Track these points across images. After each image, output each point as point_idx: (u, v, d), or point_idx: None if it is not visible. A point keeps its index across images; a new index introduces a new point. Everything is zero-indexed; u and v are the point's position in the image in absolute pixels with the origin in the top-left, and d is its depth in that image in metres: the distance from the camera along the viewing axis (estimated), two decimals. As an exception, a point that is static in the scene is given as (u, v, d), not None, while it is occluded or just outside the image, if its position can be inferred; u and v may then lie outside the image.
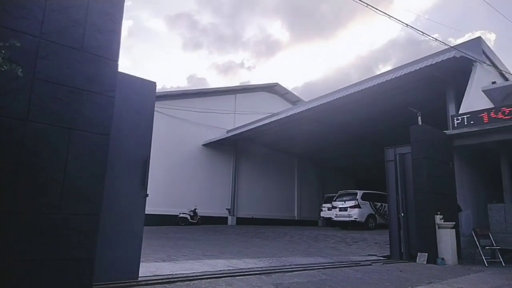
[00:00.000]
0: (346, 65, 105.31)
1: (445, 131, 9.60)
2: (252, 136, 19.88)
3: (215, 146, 20.73)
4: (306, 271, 5.88)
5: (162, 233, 12.91)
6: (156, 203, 14.35)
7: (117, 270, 3.78)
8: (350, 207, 16.74)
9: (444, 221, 8.24)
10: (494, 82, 10.60)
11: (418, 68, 10.69)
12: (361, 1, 7.05)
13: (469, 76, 10.17)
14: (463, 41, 11.84)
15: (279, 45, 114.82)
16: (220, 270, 5.23)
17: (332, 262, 7.02)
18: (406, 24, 8.04)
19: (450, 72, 10.71)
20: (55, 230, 2.90)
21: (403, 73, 11.17)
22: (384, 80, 11.83)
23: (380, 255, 8.58)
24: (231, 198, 21.06)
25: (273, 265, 6.18)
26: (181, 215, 18.14)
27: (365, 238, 11.59)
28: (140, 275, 4.01)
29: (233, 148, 21.57)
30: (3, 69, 2.59)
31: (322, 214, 20.98)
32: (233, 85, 24.42)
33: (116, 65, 3.43)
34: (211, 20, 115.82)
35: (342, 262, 7.18)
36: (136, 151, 4.09)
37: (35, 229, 2.81)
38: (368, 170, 23.47)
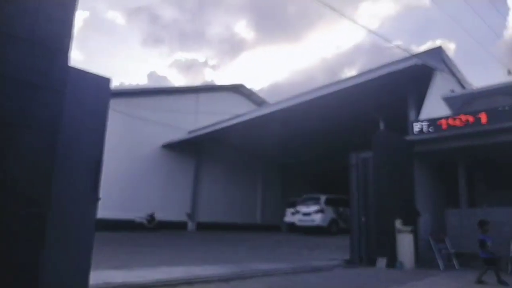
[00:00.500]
0: (312, 67, 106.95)
1: (405, 137, 9.69)
2: (215, 137, 19.45)
3: (175, 147, 20.06)
4: (267, 277, 5.91)
5: (116, 239, 12.22)
6: (110, 207, 13.49)
7: (64, 279, 3.55)
8: (314, 212, 16.70)
9: (403, 226, 8.33)
10: (452, 91, 10.92)
11: (380, 74, 10.92)
12: (328, 5, 6.99)
13: (430, 83, 10.41)
14: (424, 49, 12.20)
15: (244, 44, 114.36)
16: (178, 278, 5.12)
17: (293, 268, 7.08)
18: (370, 30, 8.02)
19: (411, 78, 10.94)
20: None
21: (366, 79, 11.36)
22: (347, 85, 11.98)
23: (341, 260, 8.67)
24: (192, 202, 20.42)
25: (233, 271, 6.13)
26: (138, 220, 17.21)
27: (327, 243, 11.62)
28: (91, 283, 3.77)
29: (194, 150, 20.93)
30: None
31: (285, 218, 20.82)
32: (196, 84, 23.84)
33: (68, 58, 3.13)
34: (173, 15, 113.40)
35: (303, 267, 7.26)
36: (87, 151, 3.90)
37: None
38: (334, 175, 23.67)
